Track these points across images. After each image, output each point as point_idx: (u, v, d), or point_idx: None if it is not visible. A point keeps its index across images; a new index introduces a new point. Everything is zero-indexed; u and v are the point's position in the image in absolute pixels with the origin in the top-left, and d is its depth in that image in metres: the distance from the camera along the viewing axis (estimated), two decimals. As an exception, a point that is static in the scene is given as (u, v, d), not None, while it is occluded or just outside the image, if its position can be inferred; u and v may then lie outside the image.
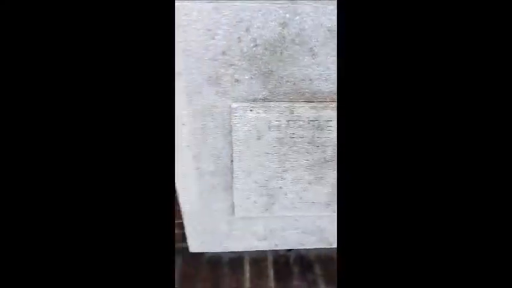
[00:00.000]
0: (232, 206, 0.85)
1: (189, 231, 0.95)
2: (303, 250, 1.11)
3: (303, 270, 1.04)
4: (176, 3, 0.48)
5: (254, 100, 0.62)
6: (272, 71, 0.58)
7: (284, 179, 0.77)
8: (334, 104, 0.63)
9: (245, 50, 0.54)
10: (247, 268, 1.05)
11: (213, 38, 0.53)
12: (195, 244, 1.00)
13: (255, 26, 0.52)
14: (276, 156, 0.72)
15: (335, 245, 1.03)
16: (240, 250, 1.04)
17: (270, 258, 1.10)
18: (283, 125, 0.66)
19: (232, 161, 0.73)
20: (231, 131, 0.67)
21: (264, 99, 0.62)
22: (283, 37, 0.53)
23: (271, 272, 1.03)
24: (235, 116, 0.63)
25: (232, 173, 0.76)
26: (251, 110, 0.63)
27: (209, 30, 0.52)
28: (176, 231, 1.05)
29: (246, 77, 0.59)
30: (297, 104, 0.63)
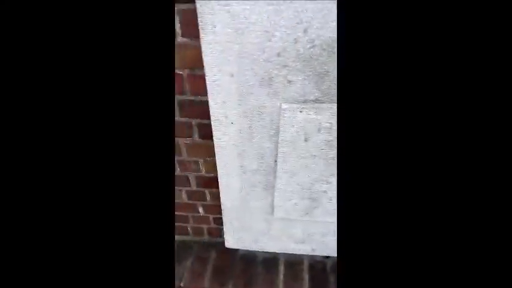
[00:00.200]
0: (272, 206, 0.89)
1: (226, 226, 1.02)
2: (342, 259, 1.11)
3: (341, 280, 1.04)
4: (236, 8, 0.53)
5: (305, 101, 0.65)
6: (328, 72, 0.59)
7: (330, 183, 0.79)
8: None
9: (301, 51, 0.57)
10: (281, 270, 1.09)
11: (270, 40, 0.56)
12: (231, 240, 1.07)
13: (314, 27, 0.54)
14: (323, 160, 0.74)
15: (379, 259, 1.01)
16: (275, 251, 1.09)
17: (306, 263, 1.12)
18: (334, 128, 0.67)
19: (276, 161, 0.77)
20: (278, 132, 0.70)
21: (316, 100, 0.64)
22: (342, 37, 0.54)
23: (306, 277, 1.06)
24: (284, 116, 0.66)
25: (275, 173, 0.80)
26: (301, 111, 0.65)
27: (267, 32, 0.55)
28: (214, 225, 1.14)
29: (299, 78, 0.61)
30: (350, 107, 0.63)
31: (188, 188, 1.00)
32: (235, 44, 0.58)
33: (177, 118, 0.78)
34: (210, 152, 0.85)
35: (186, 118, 0.78)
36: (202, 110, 0.74)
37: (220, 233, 1.16)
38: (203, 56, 0.60)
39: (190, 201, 1.05)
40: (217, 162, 0.80)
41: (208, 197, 1.02)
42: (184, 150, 0.87)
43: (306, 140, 0.70)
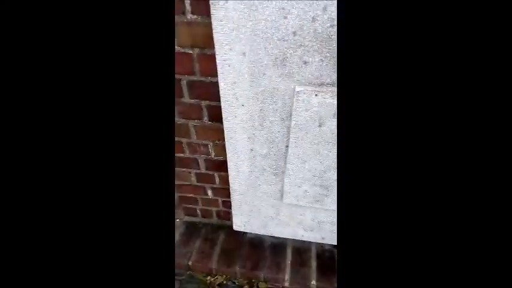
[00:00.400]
0: (281, 192, 0.92)
1: (234, 210, 1.08)
2: (352, 249, 1.15)
3: (349, 269, 1.09)
4: (251, -20, 0.52)
5: (321, 84, 0.64)
6: (346, 54, 0.58)
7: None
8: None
9: (319, 30, 0.56)
10: (289, 255, 1.15)
11: (285, 17, 0.56)
12: (239, 223, 1.13)
13: (334, 5, 0.52)
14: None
15: (391, 250, 1.04)
16: (284, 237, 1.14)
17: (314, 251, 1.17)
18: (349, 114, 0.67)
19: (287, 146, 0.79)
20: (290, 116, 0.71)
21: (333, 84, 0.64)
22: (365, 14, 0.52)
23: (313, 264, 1.11)
24: (298, 100, 0.67)
25: (286, 158, 0.82)
26: (316, 95, 0.65)
27: (282, 8, 0.55)
28: (223, 208, 1.20)
29: (316, 59, 0.61)
30: (370, 92, 0.63)
31: (197, 171, 1.05)
32: (248, 21, 0.58)
33: (187, 99, 0.81)
34: (220, 135, 0.88)
35: (195, 99, 0.80)
36: (213, 91, 0.75)
37: (229, 216, 1.22)
38: (213, 34, 0.61)
39: (199, 184, 1.10)
40: (226, 145, 0.83)
41: (217, 180, 1.07)
42: (193, 132, 0.90)
43: (320, 125, 0.71)
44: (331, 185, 0.84)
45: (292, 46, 0.60)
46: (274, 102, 0.70)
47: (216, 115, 0.82)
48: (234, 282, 1.14)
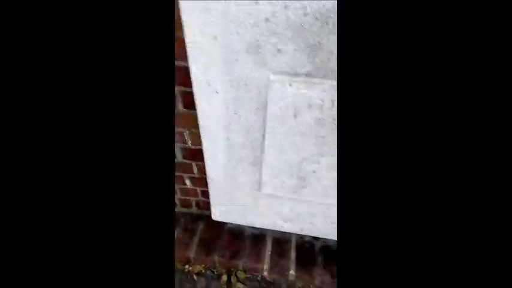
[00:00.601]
0: (259, 182, 0.95)
1: (213, 199, 1.11)
2: (332, 241, 1.20)
3: (328, 261, 1.15)
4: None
5: (295, 74, 0.66)
6: (321, 44, 0.59)
7: (319, 163, 0.83)
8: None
9: (292, 18, 0.57)
10: (268, 246, 1.20)
11: (257, 3, 0.56)
12: (218, 213, 1.17)
13: (306, -10, 0.53)
14: (313, 138, 0.77)
15: (368, 242, 1.10)
16: (263, 227, 1.19)
17: (294, 241, 1.23)
18: (326, 105, 0.69)
19: (264, 136, 0.81)
20: (266, 105, 0.73)
21: (307, 75, 0.65)
22: (340, 2, 0.53)
23: (293, 255, 1.17)
24: (273, 89, 0.68)
25: (263, 148, 0.84)
26: (291, 85, 0.67)
27: (254, -8, 0.55)
28: (202, 198, 1.23)
29: (290, 48, 0.62)
30: (345, 83, 0.64)
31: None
32: (218, 3, 0.58)
33: (160, 84, 0.81)
34: (196, 123, 0.89)
35: (169, 84, 0.80)
36: (185, 77, 0.76)
37: (208, 206, 1.25)
38: (181, 15, 0.61)
39: (177, 173, 1.12)
40: (201, 134, 0.85)
41: (195, 170, 1.09)
42: (168, 118, 0.91)
43: (295, 117, 0.73)
44: (307, 176, 0.88)
45: (265, 33, 0.60)
46: (249, 90, 0.71)
47: (191, 102, 0.83)
48: (212, 271, 1.19)
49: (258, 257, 1.16)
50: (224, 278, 1.16)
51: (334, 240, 1.18)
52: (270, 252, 1.18)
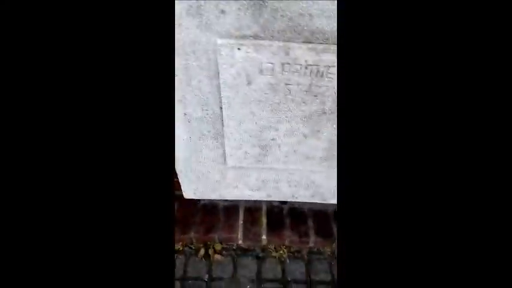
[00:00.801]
0: (224, 155, 0.91)
1: (181, 178, 1.05)
2: (298, 203, 1.23)
3: (296, 222, 1.17)
4: None
5: (243, 37, 0.60)
6: (265, 2, 0.54)
7: (277, 130, 0.80)
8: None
9: (229, -29, 0.50)
10: (241, 216, 1.19)
11: (190, -46, 0.48)
12: (189, 191, 1.12)
13: None
14: (269, 105, 0.73)
15: (330, 201, 1.13)
16: (233, 198, 1.17)
17: (264, 209, 1.23)
18: (276, 69, 0.65)
19: (221, 107, 0.76)
20: (217, 73, 0.67)
21: (255, 37, 0.60)
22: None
23: (264, 221, 1.17)
24: (221, 54, 0.62)
25: (222, 120, 0.79)
26: (239, 49, 0.61)
27: None
28: (169, 177, 1.16)
29: (233, 8, 0.56)
30: (293, 44, 0.61)
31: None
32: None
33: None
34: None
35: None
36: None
37: (179, 185, 1.20)
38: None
39: (140, 155, 1.04)
40: (156, 110, 0.77)
41: (158, 149, 1.01)
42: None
43: (248, 84, 0.68)
44: (268, 144, 0.85)
45: (204, -9, 0.53)
46: (198, 58, 0.65)
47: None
48: (190, 248, 1.16)
49: (231, 227, 1.15)
50: (202, 252, 1.14)
51: (300, 202, 1.20)
52: (242, 222, 1.17)
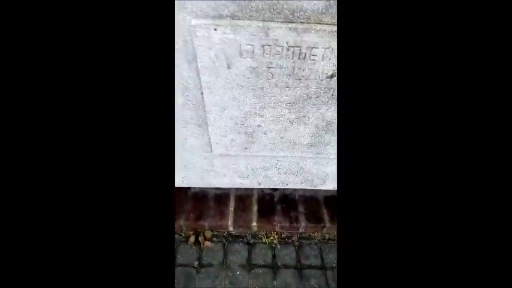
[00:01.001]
0: (210, 143, 0.89)
1: (169, 166, 1.04)
2: (289, 190, 1.22)
3: (287, 208, 1.17)
4: None
5: (219, 17, 0.57)
6: (238, -25, 0.50)
7: (263, 116, 0.78)
8: (320, 27, 0.57)
9: None
10: (232, 203, 1.19)
11: None
12: (177, 179, 1.11)
13: None
14: (252, 90, 0.70)
15: (319, 187, 1.12)
16: (224, 186, 1.16)
17: (256, 196, 1.23)
18: (257, 51, 0.61)
19: (202, 93, 0.73)
20: (195, 57, 0.64)
21: (232, 16, 0.57)
22: None
23: (254, 208, 1.17)
24: (198, 36, 0.59)
25: (204, 107, 0.77)
26: (216, 29, 0.58)
27: None
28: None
29: (206, -16, 0.52)
30: (272, 24, 0.57)
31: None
32: None
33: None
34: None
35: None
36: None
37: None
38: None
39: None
40: (136, 97, 0.74)
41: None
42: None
43: (228, 67, 0.65)
44: (254, 131, 0.83)
45: (174, -34, 0.49)
46: (175, 40, 0.61)
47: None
48: (180, 235, 1.17)
49: (222, 214, 1.15)
50: (192, 239, 1.14)
51: (291, 188, 1.19)
52: (233, 209, 1.17)
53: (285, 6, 0.55)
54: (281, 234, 1.16)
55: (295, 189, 1.21)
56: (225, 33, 0.58)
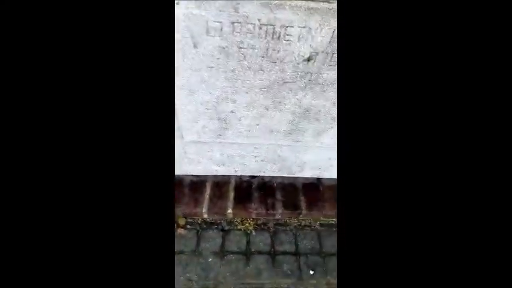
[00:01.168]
0: (180, 129, 0.84)
1: (139, 152, 0.98)
2: (267, 177, 1.20)
3: (264, 195, 1.16)
4: None
5: (181, -14, 0.49)
6: None
7: (236, 102, 0.73)
8: (295, 3, 0.51)
9: None
10: (208, 190, 1.16)
11: None
12: (150, 165, 1.05)
13: None
14: (222, 73, 0.64)
15: (297, 174, 1.11)
16: (199, 174, 1.12)
17: (233, 183, 1.20)
18: (226, 29, 0.55)
19: (168, 75, 0.66)
20: (157, 33, 0.56)
21: (195, -14, 0.49)
22: None
23: (231, 195, 1.15)
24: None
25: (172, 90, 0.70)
26: (177, 3, 0.50)
27: None
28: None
29: None
30: (242, -3, 0.50)
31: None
32: None
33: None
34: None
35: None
36: None
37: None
38: None
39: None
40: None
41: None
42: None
43: (195, 46, 0.58)
44: (227, 117, 0.78)
45: None
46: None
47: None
48: (155, 221, 1.13)
49: (196, 202, 1.11)
50: (166, 225, 1.11)
51: (270, 176, 1.17)
52: (208, 196, 1.14)
53: (256, -23, 0.48)
54: (257, 221, 1.16)
55: (274, 177, 1.19)
56: (188, 8, 0.51)
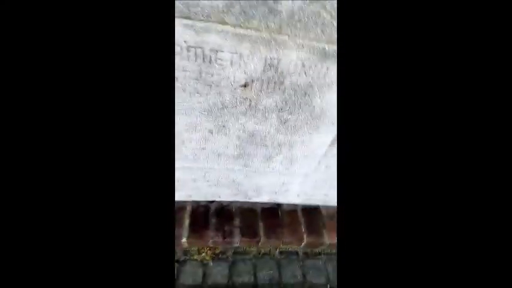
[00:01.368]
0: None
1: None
2: (226, 202, 1.14)
3: (221, 221, 1.09)
4: None
5: None
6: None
7: (176, 124, 0.69)
8: (223, 27, 0.49)
9: None
10: (162, 217, 1.07)
11: None
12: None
13: None
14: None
15: (254, 199, 1.06)
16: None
17: (189, 209, 1.12)
18: (153, 51, 0.52)
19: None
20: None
21: None
22: None
23: (187, 222, 1.07)
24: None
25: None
26: None
27: None
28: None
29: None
30: (165, 19, 0.48)
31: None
32: None
33: None
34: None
35: None
36: None
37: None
38: None
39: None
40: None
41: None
42: None
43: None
44: (185, 140, 0.73)
45: None
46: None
47: None
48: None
49: (148, 230, 1.02)
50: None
51: (228, 201, 1.12)
52: (161, 223, 1.05)
53: (180, 1, 0.46)
54: (215, 249, 1.08)
55: (232, 202, 1.13)
56: None
